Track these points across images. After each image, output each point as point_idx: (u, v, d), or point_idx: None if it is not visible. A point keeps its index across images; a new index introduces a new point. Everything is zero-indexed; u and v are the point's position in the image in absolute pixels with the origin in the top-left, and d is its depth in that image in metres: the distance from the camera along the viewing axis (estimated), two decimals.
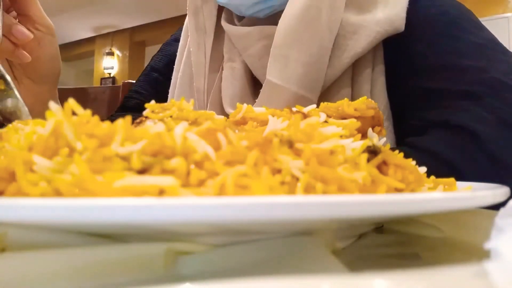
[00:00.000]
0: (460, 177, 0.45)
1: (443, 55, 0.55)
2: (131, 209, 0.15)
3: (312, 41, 0.55)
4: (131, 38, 6.68)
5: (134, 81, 1.53)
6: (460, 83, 0.52)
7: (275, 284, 0.14)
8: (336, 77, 0.58)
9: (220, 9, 0.68)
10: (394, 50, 0.59)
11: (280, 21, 0.57)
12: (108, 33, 6.81)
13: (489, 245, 0.17)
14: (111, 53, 6.77)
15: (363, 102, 0.34)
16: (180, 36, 0.75)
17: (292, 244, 0.20)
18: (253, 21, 0.64)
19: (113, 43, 6.83)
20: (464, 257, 0.24)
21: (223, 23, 0.65)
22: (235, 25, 0.65)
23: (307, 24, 0.56)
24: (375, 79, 0.59)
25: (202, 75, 0.65)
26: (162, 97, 0.71)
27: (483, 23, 0.61)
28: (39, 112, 0.52)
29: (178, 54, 0.72)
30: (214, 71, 0.66)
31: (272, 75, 0.55)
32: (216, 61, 0.67)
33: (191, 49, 0.67)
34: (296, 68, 0.55)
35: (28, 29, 0.52)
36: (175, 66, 0.72)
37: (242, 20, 0.66)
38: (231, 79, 0.64)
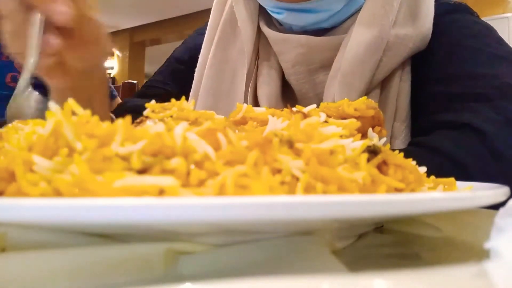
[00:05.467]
0: (466, 174, 0.45)
1: (460, 64, 0.57)
2: (131, 209, 0.15)
3: (371, 70, 0.58)
4: (131, 38, 6.68)
5: (134, 81, 1.53)
6: (472, 87, 0.53)
7: (275, 284, 0.14)
8: (370, 91, 0.60)
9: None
10: (419, 62, 0.60)
11: (348, 50, 0.58)
12: (108, 33, 6.81)
13: (489, 245, 0.17)
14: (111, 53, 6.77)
15: (363, 102, 0.34)
16: (204, 30, 0.74)
17: (292, 244, 0.20)
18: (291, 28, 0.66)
19: (113, 44, 6.83)
20: (464, 257, 0.24)
21: (262, 25, 0.66)
22: (272, 28, 0.66)
23: (372, 55, 0.57)
24: (402, 87, 0.60)
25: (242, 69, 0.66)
26: (184, 88, 0.71)
27: None
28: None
29: (204, 46, 0.72)
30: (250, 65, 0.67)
31: None
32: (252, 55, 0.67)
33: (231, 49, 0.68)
34: (355, 95, 0.57)
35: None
36: (200, 57, 0.71)
37: (280, 25, 0.67)
38: (268, 78, 0.65)
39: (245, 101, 0.65)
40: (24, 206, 0.16)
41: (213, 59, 0.69)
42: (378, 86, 0.60)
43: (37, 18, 0.43)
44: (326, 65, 0.61)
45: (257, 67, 0.67)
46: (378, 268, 0.16)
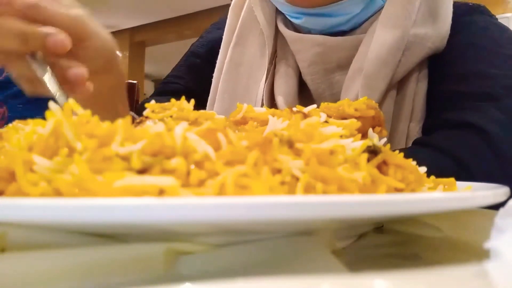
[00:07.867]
0: (468, 174, 0.45)
1: (471, 63, 0.56)
2: (131, 209, 0.15)
3: (392, 70, 0.57)
4: (131, 38, 6.66)
5: (134, 81, 1.52)
6: (481, 87, 0.53)
7: (275, 284, 0.14)
8: (387, 92, 0.59)
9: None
10: (437, 63, 0.60)
11: (371, 51, 0.58)
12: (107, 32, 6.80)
13: (489, 245, 0.17)
14: None
15: (363, 102, 0.34)
16: (221, 25, 0.74)
17: (292, 244, 0.20)
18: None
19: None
20: (464, 257, 0.24)
21: (279, 25, 0.66)
22: (289, 28, 0.66)
23: (394, 55, 0.57)
24: (419, 88, 0.60)
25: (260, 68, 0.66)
26: (201, 82, 0.72)
27: None
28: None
29: (221, 51, 0.72)
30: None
31: None
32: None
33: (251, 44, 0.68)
34: (376, 96, 0.57)
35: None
36: (217, 62, 0.71)
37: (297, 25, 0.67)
38: (286, 77, 0.65)
39: (262, 100, 0.64)
40: (24, 206, 0.16)
41: (230, 63, 0.69)
42: (395, 87, 0.60)
43: (36, 58, 0.38)
44: (343, 65, 0.61)
45: (275, 66, 0.67)
46: (378, 268, 0.16)
